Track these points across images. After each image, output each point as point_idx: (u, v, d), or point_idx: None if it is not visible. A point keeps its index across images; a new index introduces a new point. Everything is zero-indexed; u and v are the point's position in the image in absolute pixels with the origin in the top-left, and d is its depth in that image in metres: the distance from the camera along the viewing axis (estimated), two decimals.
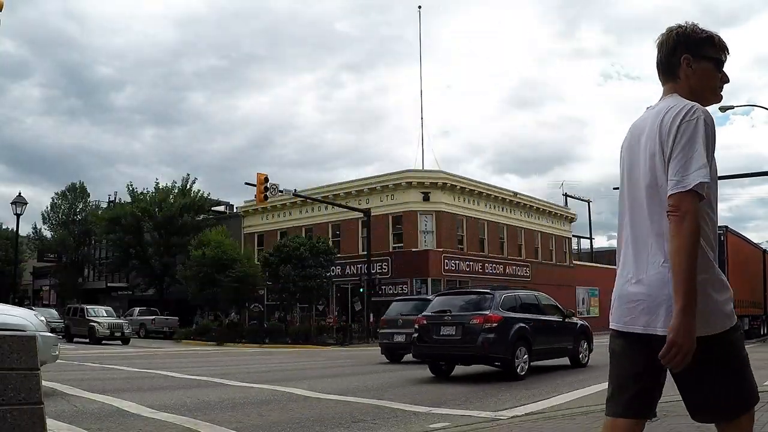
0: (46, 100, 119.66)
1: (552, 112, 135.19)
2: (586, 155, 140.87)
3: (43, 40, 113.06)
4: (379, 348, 21.19)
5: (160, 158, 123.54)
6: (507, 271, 45.10)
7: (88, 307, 35.29)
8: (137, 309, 44.13)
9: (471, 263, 42.14)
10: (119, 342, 31.45)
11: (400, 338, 19.63)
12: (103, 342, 30.92)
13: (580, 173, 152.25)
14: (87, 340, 31.50)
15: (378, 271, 38.60)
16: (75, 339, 32.87)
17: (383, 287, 38.02)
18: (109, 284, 58.11)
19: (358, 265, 39.73)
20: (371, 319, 36.81)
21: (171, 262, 45.69)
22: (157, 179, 57.01)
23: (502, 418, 8.02)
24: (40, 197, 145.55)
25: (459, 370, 15.32)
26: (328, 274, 37.18)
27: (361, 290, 37.74)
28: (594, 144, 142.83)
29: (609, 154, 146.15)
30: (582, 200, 62.15)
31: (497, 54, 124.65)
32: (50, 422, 5.17)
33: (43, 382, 4.10)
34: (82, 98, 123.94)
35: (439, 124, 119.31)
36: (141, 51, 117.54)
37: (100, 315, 33.15)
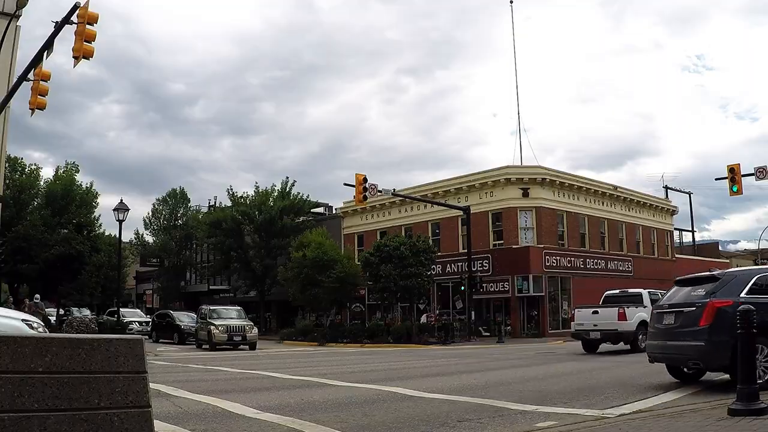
0: (127, 116, 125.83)
1: (617, 108, 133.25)
2: (656, 149, 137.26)
3: (113, 60, 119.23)
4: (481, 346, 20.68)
5: (239, 165, 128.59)
6: (608, 266, 43.99)
7: (214, 308, 33.55)
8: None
9: (572, 259, 41.33)
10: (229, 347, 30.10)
11: None
12: (217, 347, 29.70)
13: (653, 167, 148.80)
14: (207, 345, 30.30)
15: (479, 268, 38.29)
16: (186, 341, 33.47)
17: (484, 285, 37.66)
18: (210, 287, 59.66)
19: (459, 263, 39.54)
20: (473, 317, 36.72)
21: (272, 264, 46.47)
22: (256, 183, 58.18)
23: (609, 416, 7.85)
24: (129, 205, 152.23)
25: (574, 367, 14.97)
26: (429, 273, 37.10)
27: (462, 288, 37.53)
28: (664, 138, 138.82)
29: (681, 147, 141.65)
30: (682, 192, 59.97)
31: (556, 52, 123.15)
32: (156, 423, 5.03)
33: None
34: (159, 112, 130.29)
35: (510, 123, 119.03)
36: (207, 67, 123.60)
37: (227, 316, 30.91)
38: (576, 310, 23.40)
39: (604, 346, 21.87)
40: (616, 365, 15.93)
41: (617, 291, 24.19)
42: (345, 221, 49.36)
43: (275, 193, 48.33)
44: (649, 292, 22.59)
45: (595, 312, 21.52)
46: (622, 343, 21.17)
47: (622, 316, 20.57)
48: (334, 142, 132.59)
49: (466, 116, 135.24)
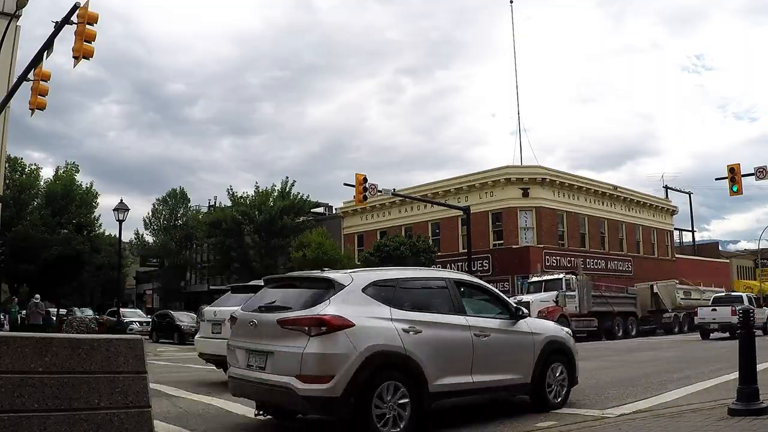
0: (127, 116, 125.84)
1: (617, 108, 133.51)
2: (656, 149, 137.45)
3: (113, 60, 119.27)
4: None
5: (239, 165, 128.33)
6: (608, 266, 44.02)
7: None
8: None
9: (572, 258, 41.26)
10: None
11: None
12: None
13: (653, 167, 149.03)
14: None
15: (479, 268, 38.28)
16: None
17: None
18: (210, 287, 59.54)
19: (459, 263, 39.42)
20: None
21: (272, 264, 46.43)
22: (256, 183, 58.19)
23: (609, 416, 7.84)
24: (129, 205, 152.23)
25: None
26: None
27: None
28: (664, 138, 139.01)
29: (681, 147, 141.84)
30: (682, 192, 59.96)
31: (556, 52, 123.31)
32: (156, 423, 4.96)
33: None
34: (159, 112, 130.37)
35: (510, 123, 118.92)
36: (207, 67, 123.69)
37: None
38: (699, 308, 29.74)
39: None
40: (617, 365, 15.91)
41: (723, 294, 32.15)
42: (345, 221, 49.35)
43: (275, 193, 48.26)
44: (747, 295, 30.09)
45: (714, 310, 28.19)
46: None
47: (734, 313, 25.32)
48: (334, 142, 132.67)
49: (466, 116, 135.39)
